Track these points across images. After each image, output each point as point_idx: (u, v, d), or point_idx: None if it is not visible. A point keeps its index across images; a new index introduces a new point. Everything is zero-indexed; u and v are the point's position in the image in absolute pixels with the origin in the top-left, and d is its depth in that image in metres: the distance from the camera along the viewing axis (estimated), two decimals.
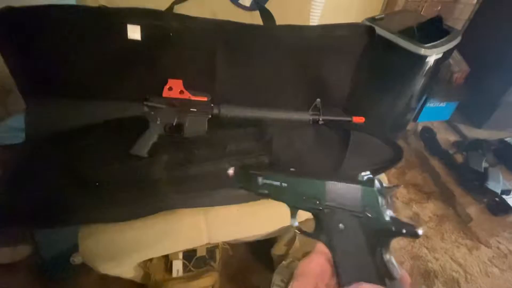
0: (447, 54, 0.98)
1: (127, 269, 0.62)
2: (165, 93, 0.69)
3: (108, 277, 0.65)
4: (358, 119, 0.80)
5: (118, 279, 0.68)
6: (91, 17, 0.61)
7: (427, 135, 1.41)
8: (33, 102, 0.63)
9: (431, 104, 1.42)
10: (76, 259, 0.80)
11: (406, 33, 0.91)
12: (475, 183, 1.16)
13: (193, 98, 0.70)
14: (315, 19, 1.06)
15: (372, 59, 0.84)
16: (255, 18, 0.78)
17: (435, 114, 1.49)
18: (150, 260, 0.65)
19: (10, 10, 0.56)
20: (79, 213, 0.53)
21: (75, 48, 0.62)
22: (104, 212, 0.53)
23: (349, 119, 0.80)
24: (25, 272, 0.82)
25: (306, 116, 0.78)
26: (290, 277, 0.68)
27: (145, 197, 0.56)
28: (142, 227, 0.56)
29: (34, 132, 0.63)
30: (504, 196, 1.09)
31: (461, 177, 1.20)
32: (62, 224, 0.54)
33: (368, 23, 0.82)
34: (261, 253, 0.73)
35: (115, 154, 0.63)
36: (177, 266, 0.66)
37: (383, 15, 0.99)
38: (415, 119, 1.47)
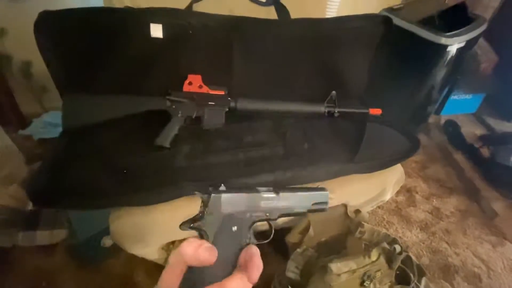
0: (471, 43, 0.94)
1: (151, 251, 0.67)
2: (186, 87, 0.73)
3: (135, 259, 0.70)
4: (375, 111, 0.80)
5: (144, 261, 0.73)
6: (117, 18, 0.66)
7: (451, 128, 1.36)
8: (69, 97, 0.69)
9: (456, 96, 1.37)
10: (107, 242, 0.87)
11: (427, 22, 0.89)
12: (502, 178, 1.11)
13: (211, 92, 0.74)
14: (332, 12, 1.06)
15: (390, 50, 0.83)
16: (271, 14, 0.80)
17: (461, 107, 1.43)
18: (173, 243, 0.69)
19: (47, 13, 0.62)
20: (109, 197, 0.58)
21: (104, 46, 0.68)
22: (131, 197, 0.58)
23: (365, 111, 0.80)
24: (61, 253, 0.90)
25: (322, 108, 0.79)
26: (304, 264, 0.70)
27: (168, 184, 0.60)
28: (165, 211, 0.60)
29: (70, 125, 0.69)
30: None
31: (487, 171, 1.15)
32: (94, 207, 0.59)
33: (385, 13, 0.81)
34: (276, 240, 0.76)
35: (141, 144, 0.68)
36: None
37: (402, 5, 0.97)
38: (438, 111, 1.42)
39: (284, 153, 0.71)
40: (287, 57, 0.77)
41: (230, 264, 0.30)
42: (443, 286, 0.85)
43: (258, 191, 0.36)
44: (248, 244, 0.32)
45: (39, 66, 0.69)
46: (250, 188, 0.36)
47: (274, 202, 0.36)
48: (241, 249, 0.31)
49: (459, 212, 1.07)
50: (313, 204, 0.40)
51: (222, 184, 0.35)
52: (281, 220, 0.72)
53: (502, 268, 0.90)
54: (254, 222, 0.35)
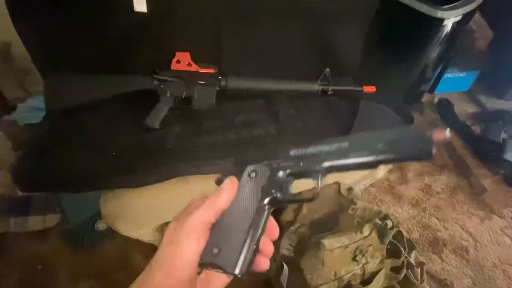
0: (467, 17, 0.92)
1: (145, 232, 0.67)
2: (173, 66, 0.70)
3: (131, 241, 0.70)
4: (369, 89, 0.79)
5: (139, 243, 0.73)
6: None
7: (444, 107, 1.36)
8: (51, 78, 0.66)
9: (449, 74, 1.35)
10: (101, 226, 0.87)
11: None
12: (492, 154, 1.12)
13: (201, 70, 0.71)
14: None
15: (385, 24, 0.81)
16: None
17: (454, 85, 1.42)
18: (167, 224, 0.69)
19: None
20: (98, 180, 0.57)
21: (85, 22, 0.64)
22: (121, 179, 0.57)
23: (359, 89, 0.78)
24: (55, 237, 0.90)
25: (315, 86, 0.77)
26: (297, 241, 0.71)
27: (158, 165, 0.59)
28: (156, 192, 0.60)
29: (53, 107, 0.66)
30: None
31: (477, 148, 1.17)
32: (82, 189, 0.58)
33: None
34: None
35: (130, 126, 0.66)
36: None
37: None
38: (432, 90, 1.41)
39: (276, 132, 0.70)
40: (278, 31, 0.74)
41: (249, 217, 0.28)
42: (431, 258, 0.88)
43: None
44: (275, 197, 0.29)
45: (20, 47, 0.65)
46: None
47: (311, 148, 0.29)
48: (264, 206, 0.28)
49: (449, 189, 1.10)
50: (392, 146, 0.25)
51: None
52: None
53: (489, 240, 0.94)
54: (288, 175, 0.29)
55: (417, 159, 0.26)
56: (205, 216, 0.27)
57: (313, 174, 0.28)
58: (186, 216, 0.27)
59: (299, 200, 0.30)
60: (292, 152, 0.30)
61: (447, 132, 0.24)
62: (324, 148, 0.28)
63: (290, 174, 0.29)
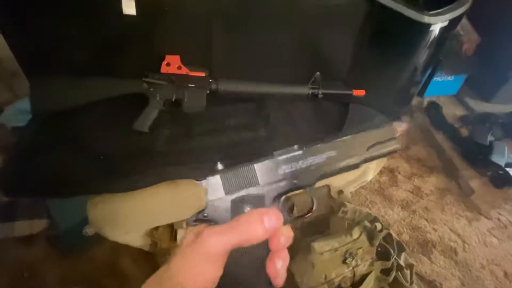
0: (454, 23, 0.94)
1: (134, 237, 0.66)
2: (163, 69, 0.70)
3: (119, 246, 0.69)
4: (359, 92, 0.80)
5: (128, 248, 0.72)
6: None
7: (433, 110, 1.38)
8: (37, 80, 0.65)
9: (438, 78, 1.38)
10: (89, 231, 0.85)
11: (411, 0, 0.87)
12: (479, 156, 1.15)
13: (191, 73, 0.71)
14: None
15: (374, 29, 0.82)
16: None
17: (443, 88, 1.45)
18: (156, 229, 0.68)
19: None
20: (86, 184, 0.56)
21: (73, 24, 0.63)
22: (109, 183, 0.56)
23: (349, 92, 0.79)
24: (42, 243, 0.88)
25: (305, 90, 0.77)
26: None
27: (147, 169, 0.58)
28: (145, 197, 0.59)
29: (40, 110, 0.65)
30: (508, 169, 1.08)
31: (465, 150, 1.19)
32: (70, 194, 0.57)
33: None
34: None
35: (118, 129, 0.65)
36: (181, 235, 0.70)
37: None
38: (421, 93, 1.43)
39: (267, 136, 0.70)
40: (269, 35, 0.75)
41: (259, 249, 0.24)
42: (421, 260, 0.89)
43: (272, 156, 0.28)
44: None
45: (8, 49, 0.64)
46: (264, 155, 0.27)
47: (301, 163, 0.28)
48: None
49: (438, 190, 1.11)
50: (370, 148, 0.29)
51: (219, 163, 0.28)
52: None
53: (477, 241, 0.95)
54: (280, 195, 0.27)
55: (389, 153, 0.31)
56: (230, 240, 0.22)
57: (307, 187, 0.28)
58: (208, 234, 0.22)
59: (298, 217, 0.29)
60: (282, 170, 0.27)
61: (403, 125, 0.34)
62: (315, 160, 0.28)
63: (284, 193, 0.28)
